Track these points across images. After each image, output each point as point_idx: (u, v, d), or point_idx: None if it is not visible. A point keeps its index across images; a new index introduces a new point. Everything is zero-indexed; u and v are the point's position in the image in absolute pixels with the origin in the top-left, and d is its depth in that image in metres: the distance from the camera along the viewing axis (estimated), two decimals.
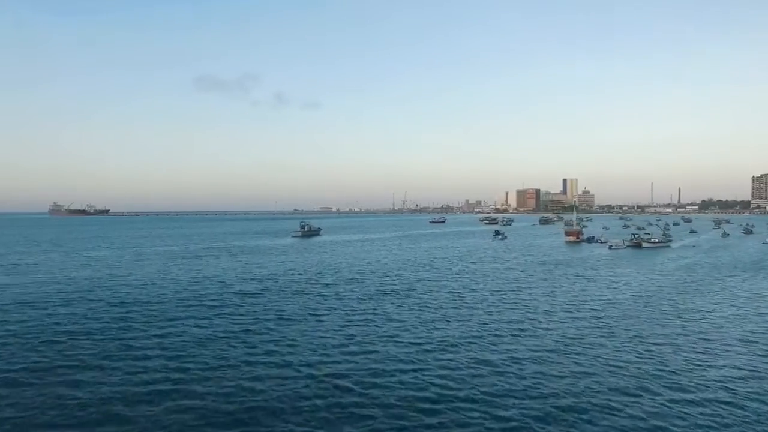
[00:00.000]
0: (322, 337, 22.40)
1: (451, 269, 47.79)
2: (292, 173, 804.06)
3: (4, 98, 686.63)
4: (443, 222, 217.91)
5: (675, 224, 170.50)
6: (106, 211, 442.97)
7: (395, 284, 38.15)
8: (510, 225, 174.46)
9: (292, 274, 43.51)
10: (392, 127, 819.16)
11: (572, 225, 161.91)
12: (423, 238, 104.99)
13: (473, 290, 35.66)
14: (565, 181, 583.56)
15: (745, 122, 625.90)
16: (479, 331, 23.35)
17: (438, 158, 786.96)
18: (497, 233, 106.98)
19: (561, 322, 25.47)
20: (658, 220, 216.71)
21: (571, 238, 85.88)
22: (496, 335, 22.76)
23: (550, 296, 33.45)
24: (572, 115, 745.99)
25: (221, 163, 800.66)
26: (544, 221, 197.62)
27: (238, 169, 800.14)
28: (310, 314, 27.25)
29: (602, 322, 25.36)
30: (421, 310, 28.49)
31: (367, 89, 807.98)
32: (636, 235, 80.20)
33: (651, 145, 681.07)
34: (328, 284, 38.14)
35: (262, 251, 69.12)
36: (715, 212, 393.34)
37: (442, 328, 24.07)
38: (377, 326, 24.46)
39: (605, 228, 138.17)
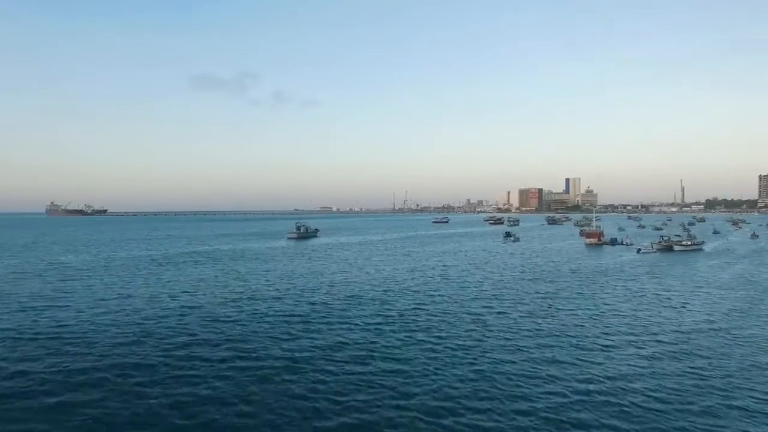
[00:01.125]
0: (292, 401, 14.77)
1: (466, 281, 40.02)
2: (292, 173, 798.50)
3: (2, 98, 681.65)
4: (446, 222, 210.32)
5: (690, 224, 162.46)
6: (104, 211, 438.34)
7: (400, 305, 30.39)
8: (517, 225, 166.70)
9: (277, 290, 35.81)
10: (393, 126, 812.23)
11: (587, 225, 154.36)
12: (428, 240, 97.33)
13: (500, 314, 27.96)
14: (567, 180, 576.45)
15: (746, 122, 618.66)
16: (527, 395, 15.69)
17: (438, 157, 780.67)
18: (508, 234, 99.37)
19: (639, 374, 17.75)
20: (669, 220, 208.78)
21: (592, 241, 78.07)
22: (556, 399, 15.09)
23: (601, 322, 25.78)
24: (574, 114, 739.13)
25: (220, 162, 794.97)
26: (552, 221, 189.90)
27: (237, 168, 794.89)
28: (286, 358, 19.63)
29: (701, 374, 17.65)
30: (436, 351, 20.78)
31: (367, 88, 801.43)
32: (665, 237, 72.44)
33: (653, 144, 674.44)
34: (317, 305, 30.46)
35: (250, 257, 61.50)
36: (721, 211, 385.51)
37: (471, 391, 16.40)
38: (376, 380, 16.84)
39: (621, 229, 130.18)
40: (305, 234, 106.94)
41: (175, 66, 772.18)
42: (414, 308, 29.22)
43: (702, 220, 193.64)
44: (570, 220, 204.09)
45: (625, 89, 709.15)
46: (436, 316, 27.29)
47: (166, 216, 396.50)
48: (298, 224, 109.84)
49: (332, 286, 37.57)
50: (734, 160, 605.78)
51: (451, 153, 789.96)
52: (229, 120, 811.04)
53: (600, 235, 79.57)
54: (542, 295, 33.69)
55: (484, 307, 29.79)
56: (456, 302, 31.08)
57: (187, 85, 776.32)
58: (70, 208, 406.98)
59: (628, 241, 76.85)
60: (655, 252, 66.06)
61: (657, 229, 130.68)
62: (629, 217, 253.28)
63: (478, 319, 26.62)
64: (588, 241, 78.88)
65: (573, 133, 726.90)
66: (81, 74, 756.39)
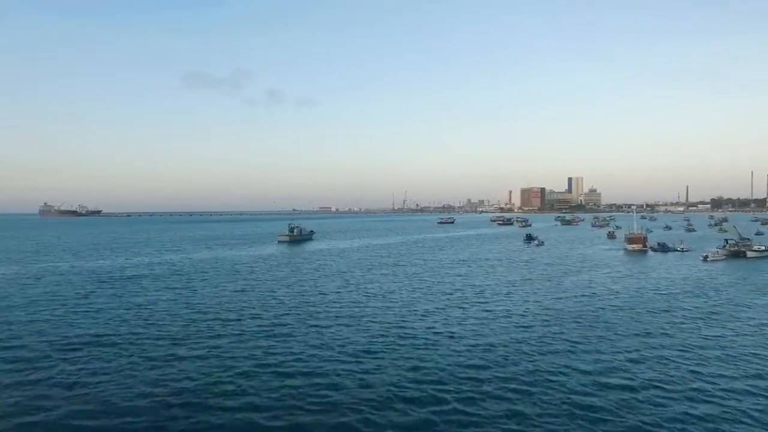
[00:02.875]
0: None
1: (519, 315, 27.51)
2: (290, 172, 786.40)
3: None
4: (452, 223, 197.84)
5: (717, 224, 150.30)
6: (98, 212, 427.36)
7: (431, 374, 17.80)
8: (529, 226, 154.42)
9: (237, 335, 23.34)
10: (392, 125, 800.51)
11: (605, 225, 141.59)
12: (438, 244, 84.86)
13: (624, 396, 15.51)
14: (570, 179, 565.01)
15: (749, 121, 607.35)
16: None
17: (438, 157, 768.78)
18: (530, 237, 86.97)
19: None
20: (687, 220, 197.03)
21: (636, 246, 65.54)
22: None
23: None
24: (575, 113, 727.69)
25: (218, 162, 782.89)
26: (566, 222, 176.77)
27: (235, 168, 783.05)
28: None
29: None
30: None
31: (365, 86, 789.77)
32: (730, 241, 59.97)
33: (655, 143, 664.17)
34: (290, 372, 18.01)
35: (224, 270, 49.06)
36: (729, 210, 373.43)
37: None
38: None
39: (648, 230, 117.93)
40: (299, 237, 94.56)
41: (169, 64, 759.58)
42: (457, 382, 16.69)
43: (725, 219, 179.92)
44: (583, 220, 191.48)
45: (626, 88, 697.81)
46: (500, 392, 14.85)
47: (161, 217, 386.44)
48: (291, 225, 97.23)
49: (321, 329, 24.92)
50: (737, 159, 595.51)
51: (451, 152, 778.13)
52: (226, 119, 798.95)
53: (644, 240, 66.95)
54: (655, 344, 21.12)
55: (578, 375, 17.29)
56: (527, 364, 18.51)
57: (181, 83, 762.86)
58: (63, 208, 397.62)
59: (684, 247, 64.33)
60: (723, 259, 53.85)
61: (689, 230, 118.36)
62: (642, 217, 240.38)
63: (584, 409, 14.21)
64: (630, 247, 66.38)
65: (574, 132, 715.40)
66: (72, 74, 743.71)
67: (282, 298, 32.81)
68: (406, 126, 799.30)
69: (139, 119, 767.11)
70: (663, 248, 64.60)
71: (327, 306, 30.07)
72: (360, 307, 29.68)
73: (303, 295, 33.66)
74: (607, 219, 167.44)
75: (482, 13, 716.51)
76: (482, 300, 31.63)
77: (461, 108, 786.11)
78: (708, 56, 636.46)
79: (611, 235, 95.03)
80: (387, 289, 36.08)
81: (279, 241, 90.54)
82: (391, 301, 31.31)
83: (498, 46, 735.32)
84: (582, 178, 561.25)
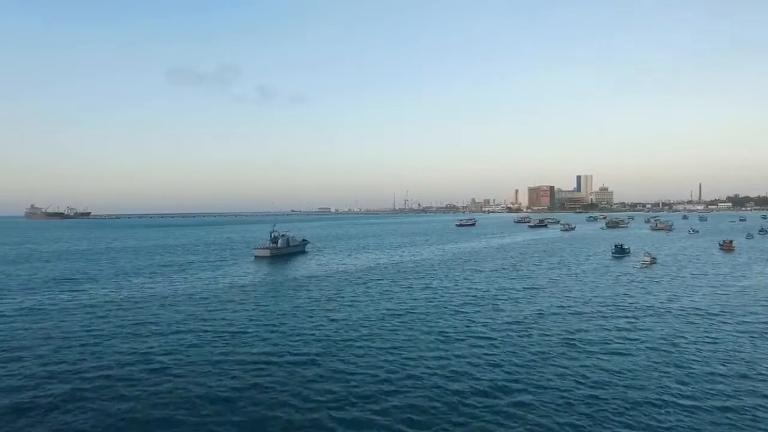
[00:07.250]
0: None
1: None
2: (289, 172, 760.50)
3: None
4: (474, 224, 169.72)
5: None
6: (87, 214, 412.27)
7: None
8: (573, 229, 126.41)
9: None
10: (392, 124, 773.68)
11: (668, 229, 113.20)
12: (483, 258, 56.66)
13: None
14: (579, 177, 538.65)
15: (756, 117, 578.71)
16: None
17: (440, 156, 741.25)
18: (622, 251, 59.37)
19: None
20: (743, 220, 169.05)
21: None
22: None
23: None
24: (581, 110, 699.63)
25: (214, 162, 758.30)
26: (614, 224, 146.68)
27: (231, 167, 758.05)
28: None
29: None
30: None
31: (363, 84, 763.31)
32: None
33: (665, 140, 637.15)
34: None
35: (150, 318, 21.61)
36: (755, 209, 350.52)
37: None
38: None
39: (749, 236, 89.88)
40: (285, 249, 66.72)
41: (155, 61, 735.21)
42: None
43: None
44: (628, 223, 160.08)
45: (631, 85, 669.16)
46: None
47: (151, 219, 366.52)
48: (275, 233, 68.83)
49: None
50: (750, 156, 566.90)
51: (453, 151, 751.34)
52: (219, 117, 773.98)
53: None
54: None
55: None
56: None
57: (167, 80, 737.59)
58: (50, 210, 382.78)
59: None
60: None
61: (762, 230, 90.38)
62: (684, 217, 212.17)
63: None
64: None
65: (580, 130, 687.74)
66: (62, 75, 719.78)
67: None
68: (407, 125, 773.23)
69: (130, 118, 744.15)
70: None
71: None
72: None
73: None
74: (668, 222, 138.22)
75: (486, 12, 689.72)
76: None
77: (463, 107, 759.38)
78: (712, 57, 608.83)
79: (727, 247, 66.89)
80: None
81: (256, 257, 63.12)
82: None
83: (504, 48, 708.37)
84: (591, 176, 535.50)
